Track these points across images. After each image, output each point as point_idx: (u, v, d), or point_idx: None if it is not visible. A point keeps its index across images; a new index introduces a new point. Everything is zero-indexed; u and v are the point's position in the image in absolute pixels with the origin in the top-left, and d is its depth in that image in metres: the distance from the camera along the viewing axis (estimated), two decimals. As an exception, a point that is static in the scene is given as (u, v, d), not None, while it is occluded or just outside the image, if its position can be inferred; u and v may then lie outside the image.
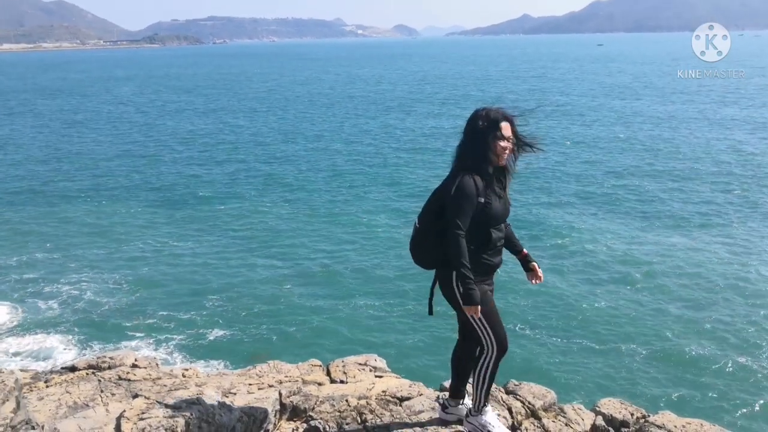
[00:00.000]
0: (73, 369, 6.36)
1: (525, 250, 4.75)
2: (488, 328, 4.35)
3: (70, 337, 17.00)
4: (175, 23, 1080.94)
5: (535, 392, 5.59)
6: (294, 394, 5.46)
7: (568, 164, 35.80)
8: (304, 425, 5.17)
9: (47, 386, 5.70)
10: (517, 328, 16.36)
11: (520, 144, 4.48)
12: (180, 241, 24.37)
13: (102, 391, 5.51)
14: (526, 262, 4.75)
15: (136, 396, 5.27)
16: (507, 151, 4.35)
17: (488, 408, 4.66)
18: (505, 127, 4.32)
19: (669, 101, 64.11)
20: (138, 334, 17.02)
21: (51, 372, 6.42)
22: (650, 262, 20.89)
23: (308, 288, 19.82)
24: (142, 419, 4.65)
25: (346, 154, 41.89)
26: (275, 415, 5.23)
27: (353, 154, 41.56)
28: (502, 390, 5.65)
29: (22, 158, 41.97)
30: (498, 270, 4.53)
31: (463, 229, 4.15)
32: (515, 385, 5.74)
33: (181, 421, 4.60)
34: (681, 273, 20.08)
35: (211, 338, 16.80)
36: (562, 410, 5.45)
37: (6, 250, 23.32)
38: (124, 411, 4.84)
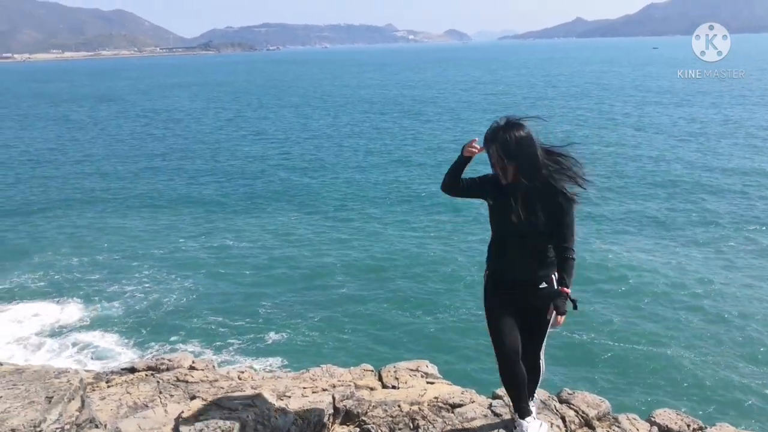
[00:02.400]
0: (132, 370, 6.53)
1: (566, 289, 4.06)
2: (491, 335, 4.38)
3: (129, 338, 17.45)
4: (229, 30, 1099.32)
5: (589, 401, 5.53)
6: (347, 399, 5.50)
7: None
8: (357, 429, 5.21)
9: (108, 386, 5.88)
10: (574, 335, 16.14)
11: (520, 164, 4.03)
12: (237, 245, 24.75)
13: (161, 392, 5.66)
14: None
15: (193, 397, 5.39)
16: (498, 169, 4.10)
17: (528, 419, 4.54)
18: (490, 147, 4.08)
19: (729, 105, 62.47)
20: (194, 337, 17.35)
21: (112, 372, 6.61)
22: (708, 277, 20.19)
23: (360, 293, 19.90)
24: (199, 420, 4.75)
25: (409, 160, 41.61)
26: (329, 419, 5.29)
27: (411, 161, 41.36)
28: (556, 399, 5.60)
29: (82, 163, 43.24)
30: (524, 288, 4.25)
31: (446, 175, 4.31)
32: (569, 393, 5.68)
33: (237, 424, 4.69)
34: (742, 287, 19.45)
35: (268, 341, 17.02)
36: (616, 420, 5.38)
37: (68, 252, 24.05)
38: (182, 412, 4.96)
